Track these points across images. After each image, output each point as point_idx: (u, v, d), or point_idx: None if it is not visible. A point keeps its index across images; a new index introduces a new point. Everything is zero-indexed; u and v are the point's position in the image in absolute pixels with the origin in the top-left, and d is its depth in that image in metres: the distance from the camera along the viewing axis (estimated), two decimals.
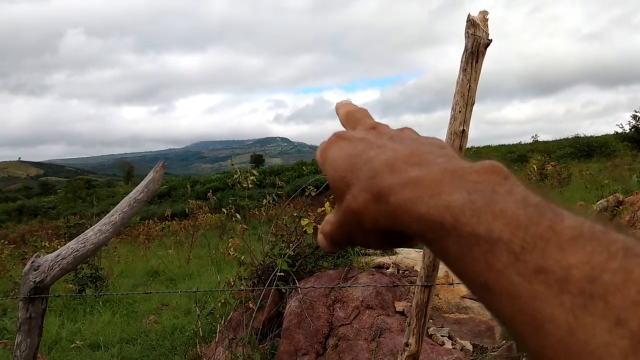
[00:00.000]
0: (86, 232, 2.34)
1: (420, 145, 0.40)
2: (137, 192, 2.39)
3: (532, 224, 0.31)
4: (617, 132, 30.27)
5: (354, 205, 0.39)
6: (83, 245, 2.25)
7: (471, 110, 2.06)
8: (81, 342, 6.06)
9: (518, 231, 0.30)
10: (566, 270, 0.28)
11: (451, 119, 2.08)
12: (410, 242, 0.40)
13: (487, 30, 2.05)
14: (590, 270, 0.28)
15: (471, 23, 2.05)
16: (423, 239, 0.36)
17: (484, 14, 2.04)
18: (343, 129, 0.50)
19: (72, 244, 2.27)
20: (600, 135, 37.08)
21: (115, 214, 2.33)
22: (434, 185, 0.35)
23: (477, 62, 2.06)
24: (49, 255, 2.28)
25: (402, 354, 2.31)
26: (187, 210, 14.17)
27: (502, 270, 0.30)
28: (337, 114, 0.53)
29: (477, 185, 0.34)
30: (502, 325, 0.31)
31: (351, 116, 0.50)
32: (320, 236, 0.46)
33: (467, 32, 2.07)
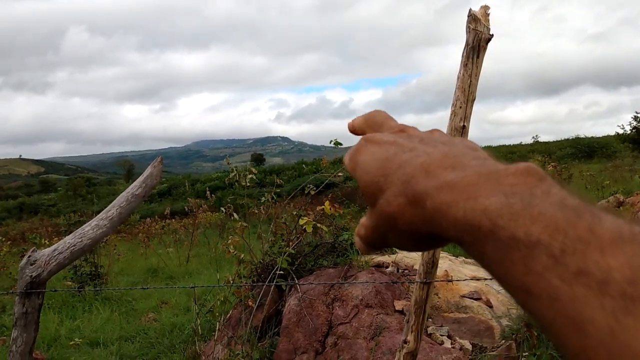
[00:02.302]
0: (83, 227, 2.33)
1: (453, 148, 0.40)
2: (134, 187, 2.38)
3: (570, 226, 0.31)
4: (618, 133, 30.25)
5: (388, 209, 0.39)
6: (80, 240, 2.24)
7: (472, 106, 2.05)
8: (80, 340, 6.06)
9: (557, 234, 0.31)
10: (606, 273, 0.28)
11: (452, 114, 2.07)
12: (444, 244, 0.40)
13: (489, 25, 2.04)
14: (631, 272, 0.28)
15: (472, 18, 2.04)
16: (460, 243, 0.35)
17: (485, 8, 2.03)
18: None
19: (69, 239, 2.26)
20: (601, 136, 37.03)
21: (112, 209, 2.32)
22: (470, 188, 0.35)
23: (478, 57, 2.05)
24: (45, 249, 2.27)
25: (400, 351, 2.30)
26: (186, 209, 14.17)
27: (542, 273, 0.30)
28: (354, 128, 0.51)
29: (513, 188, 0.34)
30: (542, 328, 0.31)
31: (372, 120, 0.49)
32: (356, 239, 0.46)
33: (468, 27, 2.06)
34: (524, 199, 0.33)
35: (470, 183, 0.35)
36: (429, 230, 0.37)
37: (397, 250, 5.72)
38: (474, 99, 2.06)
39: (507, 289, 0.33)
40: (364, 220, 0.44)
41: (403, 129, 0.45)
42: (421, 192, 0.37)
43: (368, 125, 0.49)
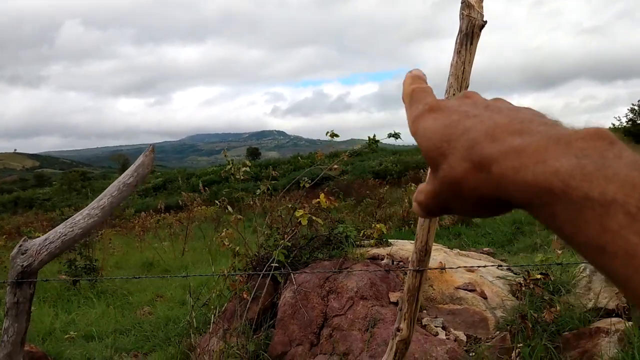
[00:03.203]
0: (74, 216, 2.32)
1: (519, 114, 0.40)
2: (126, 176, 2.36)
3: None
4: (613, 125, 30.34)
5: (452, 174, 0.39)
6: (71, 229, 2.22)
7: None
8: (75, 333, 6.05)
9: (633, 192, 0.31)
10: None
11: None
12: (509, 209, 0.40)
13: (482, 12, 2.03)
14: None
15: (466, 4, 2.03)
16: (528, 207, 0.36)
17: None
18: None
19: (60, 228, 2.25)
20: None
21: (104, 198, 2.30)
22: (538, 152, 0.35)
23: (471, 43, 2.04)
24: (36, 239, 2.25)
25: (393, 339, 2.30)
26: (180, 203, 14.15)
27: (618, 232, 0.31)
28: (404, 82, 0.51)
29: (584, 151, 0.34)
30: (618, 286, 0.32)
31: (416, 95, 0.48)
32: (414, 205, 0.46)
33: (461, 14, 2.05)
34: (596, 160, 0.33)
35: (539, 147, 0.35)
36: (494, 195, 0.37)
37: (392, 242, 5.72)
38: (468, 86, 2.05)
39: (579, 249, 0.34)
40: (422, 186, 0.44)
41: (468, 95, 0.45)
42: (487, 157, 0.37)
43: (410, 100, 0.49)
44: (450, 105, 0.43)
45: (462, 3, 2.04)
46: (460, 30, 2.07)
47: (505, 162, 0.35)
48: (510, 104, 0.44)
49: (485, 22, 2.02)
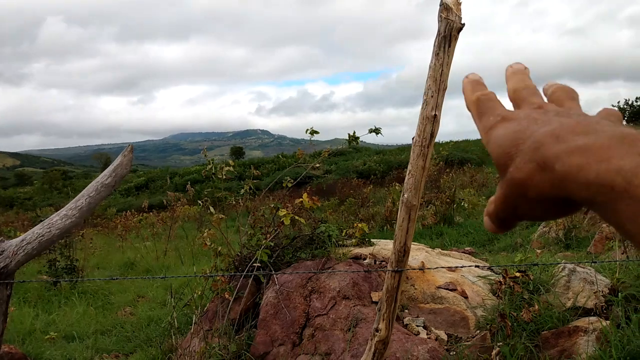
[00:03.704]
0: (52, 216, 2.29)
1: (588, 117, 0.41)
2: (104, 176, 2.34)
3: None
4: None
5: (518, 175, 0.40)
6: (49, 230, 2.20)
7: (443, 95, 2.06)
8: (55, 334, 5.99)
9: None
10: None
11: (423, 103, 2.08)
12: (577, 209, 0.41)
13: (460, 15, 2.05)
14: None
15: (444, 7, 2.04)
16: (591, 204, 0.36)
17: None
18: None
19: (37, 229, 2.22)
20: None
21: (81, 199, 2.28)
22: (602, 151, 0.36)
23: (449, 46, 2.06)
24: (13, 240, 2.23)
25: (372, 339, 2.31)
26: (164, 202, 14.06)
27: None
28: (506, 78, 0.53)
29: None
30: None
31: (518, 94, 0.50)
32: (485, 219, 0.47)
33: (440, 16, 2.06)
34: None
35: (603, 146, 0.36)
36: (559, 195, 0.38)
37: (375, 242, 5.74)
38: (446, 88, 2.07)
39: None
40: (492, 198, 0.45)
41: (541, 106, 0.46)
42: (551, 157, 0.37)
43: (513, 98, 0.50)
44: (521, 114, 0.44)
45: (440, 6, 2.06)
46: (439, 33, 2.09)
47: (569, 160, 0.36)
48: (582, 111, 0.45)
49: (464, 24, 2.04)
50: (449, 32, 2.06)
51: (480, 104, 0.48)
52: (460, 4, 2.05)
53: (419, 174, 2.19)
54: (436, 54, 2.08)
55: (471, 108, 0.49)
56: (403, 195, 2.30)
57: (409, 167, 2.23)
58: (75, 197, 2.33)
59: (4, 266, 2.14)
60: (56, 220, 2.24)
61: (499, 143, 0.42)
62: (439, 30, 2.09)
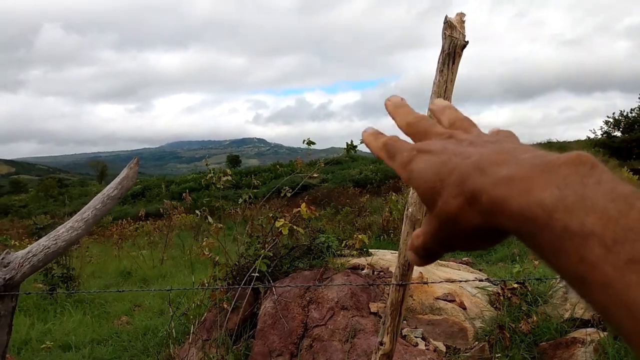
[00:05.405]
0: (58, 228, 2.30)
1: (503, 145, 0.42)
2: (110, 189, 2.35)
3: (622, 216, 0.32)
4: (589, 138, 30.84)
5: (447, 209, 0.40)
6: (55, 242, 2.21)
7: None
8: (51, 343, 5.96)
9: (609, 224, 0.32)
10: None
11: None
12: (503, 238, 0.41)
13: (464, 32, 2.08)
14: None
15: (448, 25, 2.07)
16: (517, 235, 0.37)
17: (461, 16, 2.07)
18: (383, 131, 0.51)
19: (44, 241, 2.23)
20: (573, 140, 37.69)
21: (87, 211, 2.29)
22: (524, 182, 0.36)
23: (453, 63, 2.09)
24: (19, 252, 2.23)
25: (376, 352, 2.32)
26: (161, 211, 14.02)
27: (596, 263, 0.32)
28: (390, 113, 0.54)
29: (566, 179, 0.35)
30: (599, 314, 0.33)
31: (415, 127, 0.51)
32: (409, 253, 0.47)
33: (444, 34, 2.09)
34: (577, 190, 0.34)
35: (524, 177, 0.36)
36: (488, 226, 0.38)
37: (373, 252, 5.75)
38: None
39: (564, 278, 0.35)
40: (418, 230, 0.46)
41: (452, 135, 0.47)
42: (477, 190, 0.38)
43: (412, 133, 0.51)
44: (438, 147, 0.45)
45: (444, 24, 2.09)
46: (443, 50, 2.12)
47: (495, 192, 0.37)
48: (497, 135, 0.46)
49: (467, 42, 2.07)
50: (453, 50, 2.09)
51: (389, 147, 0.49)
52: (464, 22, 2.08)
53: None
54: (440, 71, 2.11)
55: (380, 154, 0.50)
56: (407, 209, 2.32)
57: None
58: (81, 210, 2.34)
59: (10, 278, 2.14)
60: (62, 232, 2.25)
61: (424, 178, 0.43)
62: (443, 48, 2.11)
